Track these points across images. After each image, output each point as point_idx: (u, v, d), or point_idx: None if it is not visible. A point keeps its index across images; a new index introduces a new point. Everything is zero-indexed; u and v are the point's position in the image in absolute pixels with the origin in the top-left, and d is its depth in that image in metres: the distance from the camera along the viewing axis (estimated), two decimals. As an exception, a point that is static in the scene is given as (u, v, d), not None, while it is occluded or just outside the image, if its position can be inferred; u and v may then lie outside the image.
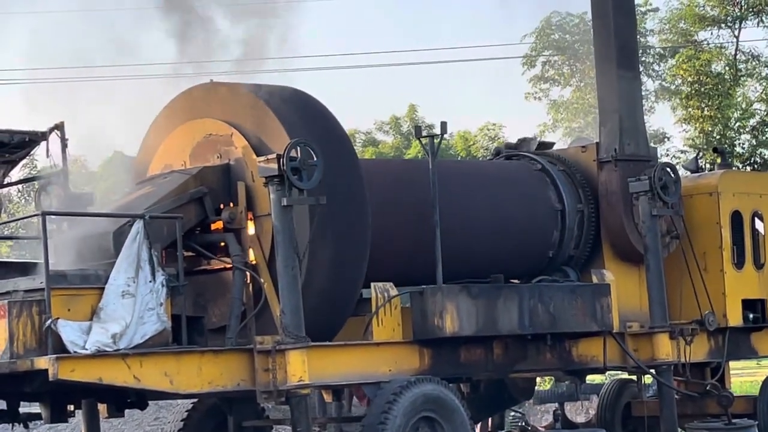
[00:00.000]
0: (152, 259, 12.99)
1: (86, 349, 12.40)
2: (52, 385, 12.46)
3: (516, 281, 16.35)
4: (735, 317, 17.44)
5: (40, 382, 12.47)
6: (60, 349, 12.28)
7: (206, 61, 15.45)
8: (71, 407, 14.42)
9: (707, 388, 17.34)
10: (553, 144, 18.50)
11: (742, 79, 35.02)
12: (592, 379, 24.36)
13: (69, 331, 12.44)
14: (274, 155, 13.39)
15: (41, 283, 12.53)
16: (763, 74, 35.13)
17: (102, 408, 14.49)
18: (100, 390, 13.27)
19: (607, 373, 20.23)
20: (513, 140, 18.75)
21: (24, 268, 13.92)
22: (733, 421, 17.42)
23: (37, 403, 14.49)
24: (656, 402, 17.16)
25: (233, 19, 15.14)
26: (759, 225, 17.97)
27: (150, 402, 14.93)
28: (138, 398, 13.86)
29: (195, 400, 15.29)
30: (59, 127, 14.75)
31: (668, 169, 16.70)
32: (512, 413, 24.08)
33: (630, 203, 16.66)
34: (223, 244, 14.20)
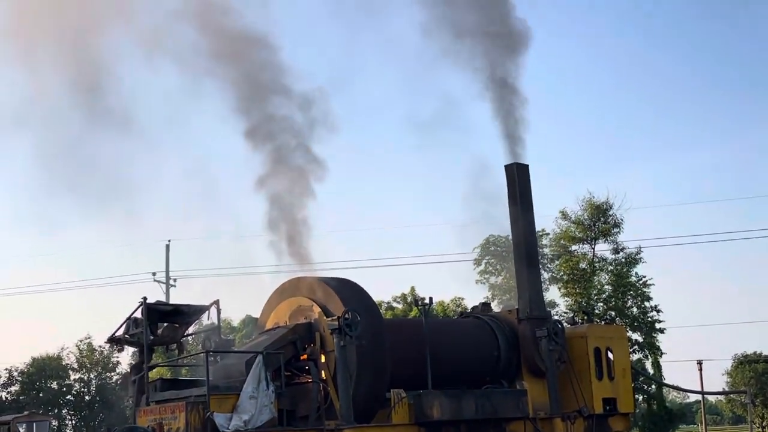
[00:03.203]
0: (267, 377, 12.92)
1: (229, 430, 12.25)
2: (210, 452, 12.27)
3: (475, 389, 16.12)
4: (598, 408, 17.11)
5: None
6: (214, 430, 12.14)
7: (288, 264, 15.51)
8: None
9: (585, 451, 16.90)
10: (490, 306, 18.38)
11: (597, 272, 35.11)
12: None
13: (220, 419, 12.35)
14: (336, 317, 13.45)
15: (205, 391, 12.48)
16: (609, 269, 35.26)
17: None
18: (236, 453, 13.02)
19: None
20: (470, 306, 18.65)
21: (195, 383, 13.82)
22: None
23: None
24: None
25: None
26: (610, 355, 17.80)
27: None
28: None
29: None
30: (216, 302, 14.86)
31: (558, 324, 16.70)
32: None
33: (537, 343, 16.57)
34: (307, 368, 14.11)
